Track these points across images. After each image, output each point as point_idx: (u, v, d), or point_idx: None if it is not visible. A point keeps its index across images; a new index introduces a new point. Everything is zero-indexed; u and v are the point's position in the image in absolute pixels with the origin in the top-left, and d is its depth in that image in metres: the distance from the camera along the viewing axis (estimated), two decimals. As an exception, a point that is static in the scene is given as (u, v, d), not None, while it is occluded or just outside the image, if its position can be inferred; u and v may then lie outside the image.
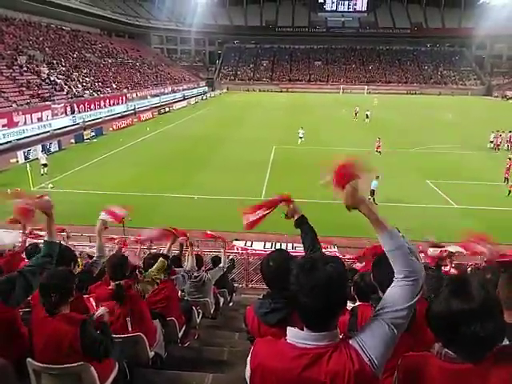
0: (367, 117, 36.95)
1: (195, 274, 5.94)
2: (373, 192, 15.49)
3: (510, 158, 19.10)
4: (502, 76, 79.76)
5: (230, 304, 7.68)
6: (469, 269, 6.40)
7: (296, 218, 2.92)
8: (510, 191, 17.31)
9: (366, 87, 76.92)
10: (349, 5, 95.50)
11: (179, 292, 5.58)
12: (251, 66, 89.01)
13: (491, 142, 26.32)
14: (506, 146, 25.79)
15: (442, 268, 4.90)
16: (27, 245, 5.11)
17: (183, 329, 5.11)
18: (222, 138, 29.21)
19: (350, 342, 1.56)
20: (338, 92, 75.82)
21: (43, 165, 19.92)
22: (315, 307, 1.54)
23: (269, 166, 21.93)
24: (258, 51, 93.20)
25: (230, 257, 8.31)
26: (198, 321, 6.03)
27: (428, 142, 27.62)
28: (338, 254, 10.02)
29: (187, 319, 5.32)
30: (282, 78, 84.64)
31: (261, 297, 2.55)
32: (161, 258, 4.36)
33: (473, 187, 18.17)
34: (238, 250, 10.15)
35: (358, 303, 3.27)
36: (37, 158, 21.46)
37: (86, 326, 2.76)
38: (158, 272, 4.22)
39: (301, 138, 26.91)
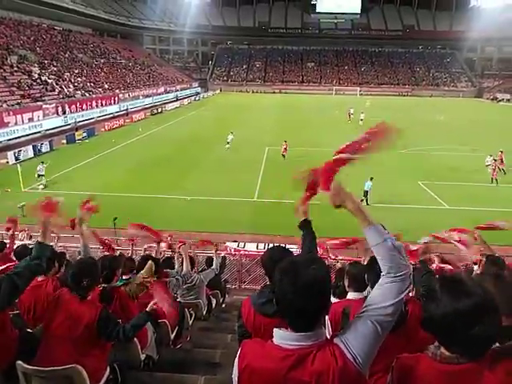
0: (361, 119, 37.06)
1: (187, 274, 5.92)
2: (366, 193, 15.60)
3: (495, 160, 19.46)
4: (493, 78, 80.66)
5: (223, 305, 7.67)
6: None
7: (303, 218, 2.94)
8: (493, 179, 18.44)
9: (359, 89, 77.28)
10: (341, 6, 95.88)
11: (172, 294, 5.55)
12: (244, 66, 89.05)
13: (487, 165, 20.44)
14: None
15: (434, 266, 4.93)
16: (16, 246, 5.06)
17: (175, 331, 5.09)
18: (215, 139, 29.17)
19: (335, 340, 1.58)
20: (331, 93, 76.13)
21: (40, 175, 18.33)
22: (299, 309, 1.55)
23: (262, 167, 21.95)
24: (251, 52, 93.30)
25: (222, 254, 8.29)
26: (191, 322, 6.01)
27: (420, 143, 27.82)
28: (330, 256, 10.08)
29: (179, 321, 5.30)
30: (275, 79, 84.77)
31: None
32: (149, 261, 4.34)
33: (465, 188, 18.34)
34: (230, 251, 10.13)
35: (352, 296, 3.27)
36: (28, 159, 21.21)
37: (105, 310, 3.12)
38: (147, 275, 4.19)
39: (229, 142, 26.20)
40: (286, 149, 23.48)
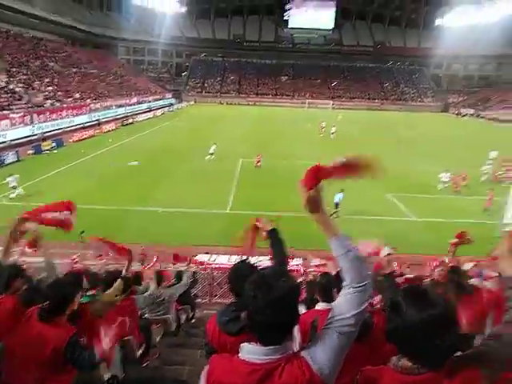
0: (332, 132, 37.79)
1: (151, 292, 5.84)
2: (337, 205, 15.81)
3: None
4: (457, 94, 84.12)
5: (193, 321, 7.57)
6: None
7: (270, 228, 2.98)
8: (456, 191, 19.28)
9: (331, 102, 78.84)
10: (314, 22, 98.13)
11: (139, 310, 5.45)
12: (218, 78, 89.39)
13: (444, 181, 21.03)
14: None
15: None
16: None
17: (142, 348, 4.99)
18: (188, 150, 29.04)
19: (302, 353, 1.60)
20: (304, 107, 77.32)
21: (13, 187, 17.77)
22: (268, 323, 1.57)
23: (235, 178, 21.97)
24: (225, 64, 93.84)
25: (192, 269, 8.20)
26: (158, 339, 5.91)
27: (388, 156, 28.55)
28: (301, 267, 10.16)
29: (146, 338, 5.20)
30: (250, 92, 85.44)
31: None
32: (119, 281, 4.24)
33: (432, 200, 18.90)
34: (202, 264, 10.04)
35: (320, 307, 3.30)
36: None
37: (76, 335, 2.92)
38: (115, 294, 4.11)
39: (211, 154, 25.95)
40: (259, 161, 23.80)
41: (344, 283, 1.71)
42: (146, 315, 5.82)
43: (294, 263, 10.45)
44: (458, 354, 1.71)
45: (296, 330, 1.89)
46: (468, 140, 39.82)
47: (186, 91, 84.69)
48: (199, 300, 8.96)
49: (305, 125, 46.74)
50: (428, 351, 1.55)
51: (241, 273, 2.47)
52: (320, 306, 3.33)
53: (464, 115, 71.22)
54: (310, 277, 7.81)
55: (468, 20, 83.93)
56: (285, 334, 1.62)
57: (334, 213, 15.44)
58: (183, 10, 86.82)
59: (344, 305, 1.67)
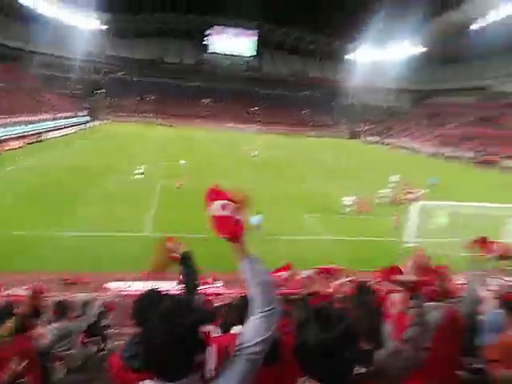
0: (254, 156, 38.79)
1: (58, 325, 5.35)
2: (255, 227, 15.92)
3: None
4: (366, 123, 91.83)
5: (102, 353, 7.05)
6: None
7: (182, 251, 2.85)
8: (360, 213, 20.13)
9: (252, 127, 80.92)
10: (235, 49, 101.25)
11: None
12: (137, 98, 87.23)
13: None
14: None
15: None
16: None
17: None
18: (102, 170, 27.64)
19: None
20: (226, 130, 78.39)
21: None
22: (164, 360, 1.49)
23: (154, 200, 21.33)
24: (144, 84, 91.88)
25: (101, 298, 7.70)
26: (62, 375, 5.40)
27: (307, 178, 29.98)
28: (222, 290, 10.03)
29: (46, 376, 4.72)
30: (169, 113, 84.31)
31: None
32: (12, 318, 3.80)
33: (348, 220, 19.94)
34: (113, 292, 9.46)
35: (234, 331, 3.27)
36: None
37: None
38: (5, 333, 3.67)
39: (141, 173, 26.15)
40: (181, 182, 23.69)
41: (253, 307, 1.70)
42: (47, 350, 5.29)
43: (215, 285, 10.31)
44: (362, 370, 1.79)
45: (210, 353, 1.84)
46: (373, 165, 43.35)
47: (102, 109, 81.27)
48: (110, 330, 8.39)
49: (226, 148, 47.37)
50: (330, 370, 1.58)
51: (145, 303, 2.36)
52: (236, 329, 3.31)
53: (372, 142, 77.75)
54: (230, 300, 7.74)
55: (375, 56, 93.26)
56: (186, 368, 1.55)
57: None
58: (102, 27, 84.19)
59: (251, 331, 1.66)
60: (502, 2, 63.08)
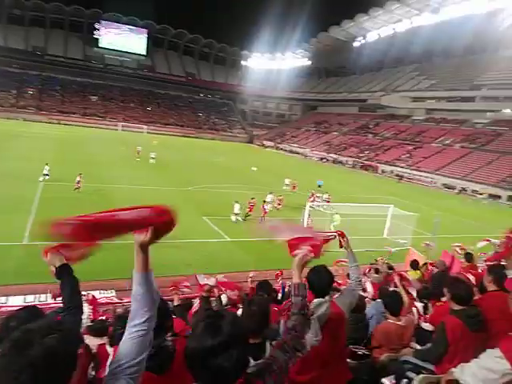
0: (152, 157, 37.16)
1: None
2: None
3: (252, 198, 21.44)
4: (260, 128, 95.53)
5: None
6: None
7: (58, 264, 2.35)
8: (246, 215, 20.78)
9: (146, 127, 77.97)
10: (126, 46, 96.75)
11: None
12: (14, 92, 77.82)
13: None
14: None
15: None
16: None
17: None
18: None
19: None
20: (117, 129, 74.32)
21: None
22: None
23: (34, 204, 19.02)
24: (22, 77, 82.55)
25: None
26: None
27: (203, 181, 29.80)
28: (115, 299, 9.28)
29: None
30: (53, 109, 77.06)
31: None
32: None
33: (240, 222, 20.35)
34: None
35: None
36: None
37: None
38: None
39: (46, 175, 23.70)
40: (79, 182, 21.57)
41: (130, 322, 1.61)
42: None
43: (109, 295, 9.56)
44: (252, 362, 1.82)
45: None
46: (272, 168, 45.22)
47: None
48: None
49: (119, 148, 44.95)
50: (214, 374, 1.53)
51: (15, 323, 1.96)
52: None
53: (267, 146, 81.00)
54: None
55: (266, 65, 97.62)
56: None
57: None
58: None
59: (132, 348, 1.55)
60: (380, 24, 71.60)
